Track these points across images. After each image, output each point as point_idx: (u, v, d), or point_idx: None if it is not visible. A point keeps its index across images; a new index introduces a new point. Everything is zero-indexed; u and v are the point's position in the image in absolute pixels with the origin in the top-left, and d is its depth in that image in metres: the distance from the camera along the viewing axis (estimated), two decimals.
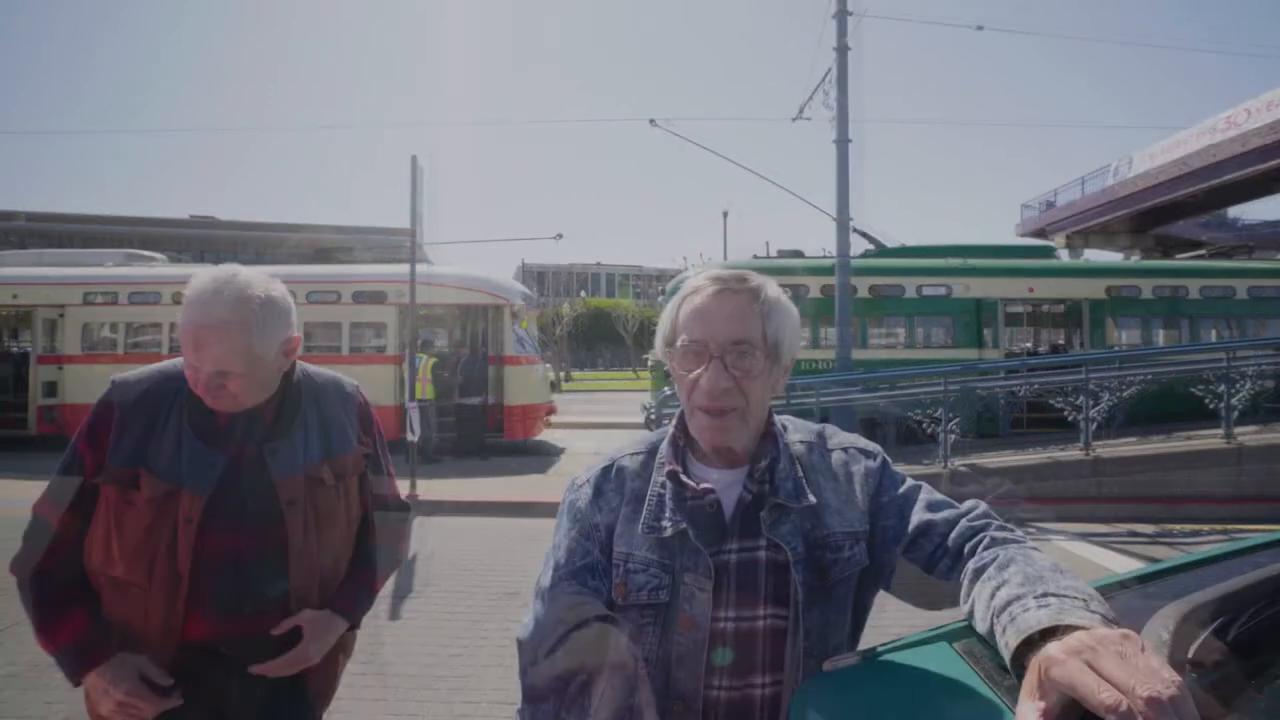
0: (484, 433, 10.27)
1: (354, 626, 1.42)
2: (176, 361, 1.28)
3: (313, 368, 1.43)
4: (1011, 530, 0.90)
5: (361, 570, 1.42)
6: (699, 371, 0.94)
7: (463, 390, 10.09)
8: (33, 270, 11.80)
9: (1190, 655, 0.69)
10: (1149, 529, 6.28)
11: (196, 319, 1.18)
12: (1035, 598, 0.70)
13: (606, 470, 1.05)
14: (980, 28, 10.37)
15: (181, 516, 1.21)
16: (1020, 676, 0.63)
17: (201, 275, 1.23)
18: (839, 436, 1.07)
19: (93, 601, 1.25)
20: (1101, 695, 0.53)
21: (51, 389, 10.98)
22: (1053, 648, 0.61)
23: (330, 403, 1.39)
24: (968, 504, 0.97)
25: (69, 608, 1.23)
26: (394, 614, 4.21)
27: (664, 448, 1.03)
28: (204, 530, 1.22)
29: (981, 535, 0.88)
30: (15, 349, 13.68)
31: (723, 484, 0.98)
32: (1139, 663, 0.56)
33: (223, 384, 1.21)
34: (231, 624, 1.25)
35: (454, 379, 10.16)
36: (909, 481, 1.02)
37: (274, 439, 1.30)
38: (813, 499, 0.96)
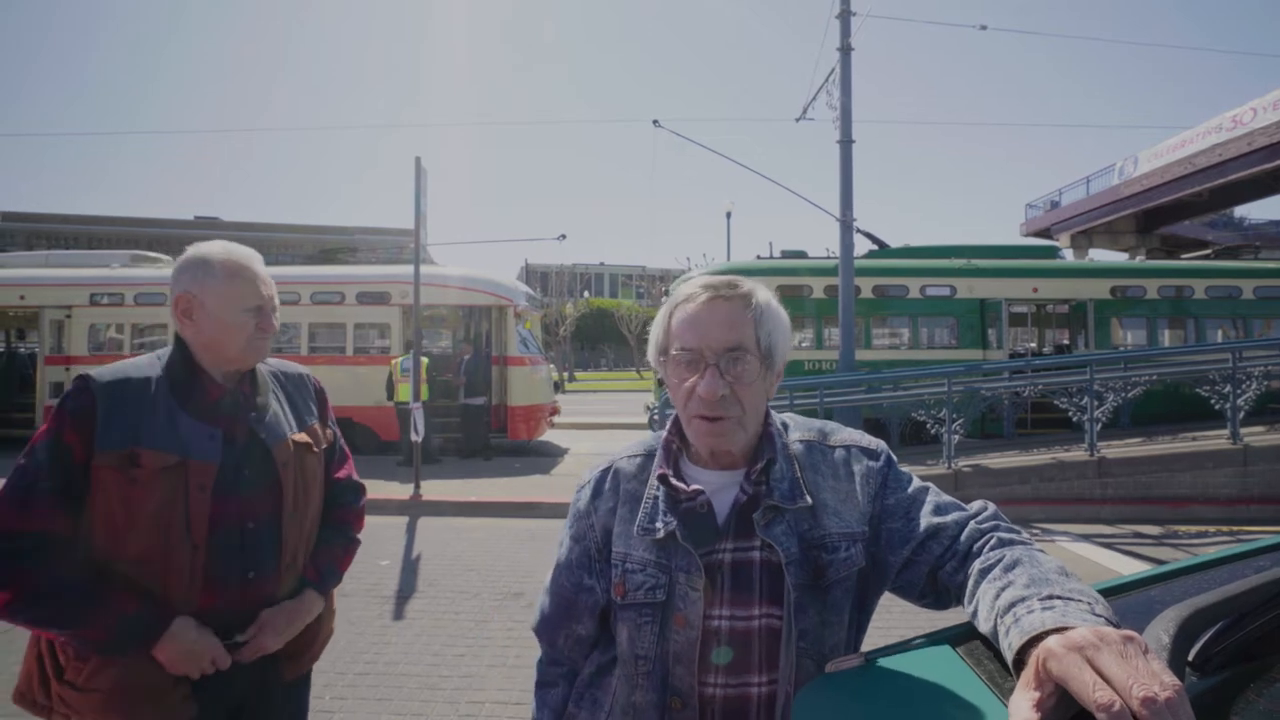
0: (488, 433, 10.28)
1: (322, 596, 1.50)
2: (144, 358, 1.36)
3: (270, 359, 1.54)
4: (1018, 532, 0.90)
5: (330, 545, 1.52)
6: (694, 379, 0.95)
7: (467, 390, 10.10)
8: (40, 271, 11.85)
9: (1191, 658, 0.69)
10: (1154, 530, 6.26)
11: (249, 255, 1.40)
12: (1040, 600, 0.70)
13: (605, 473, 1.08)
14: (984, 27, 10.31)
15: (194, 485, 1.26)
16: None
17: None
18: (841, 434, 1.07)
19: (121, 580, 1.24)
20: (1096, 694, 0.53)
21: (59, 389, 11.02)
22: (1053, 641, 0.61)
23: (291, 383, 1.52)
24: (976, 505, 0.96)
25: (107, 589, 1.22)
26: (399, 614, 4.23)
27: (658, 451, 1.04)
28: (214, 498, 1.28)
29: (988, 536, 0.88)
30: (23, 349, 13.77)
31: (717, 485, 0.99)
32: (1139, 664, 0.56)
33: (270, 323, 1.39)
34: (236, 592, 1.31)
35: (457, 379, 10.17)
36: (916, 483, 1.01)
37: (258, 410, 1.40)
38: (808, 500, 0.96)
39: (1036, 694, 0.59)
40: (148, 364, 1.33)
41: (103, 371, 1.29)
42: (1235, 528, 6.37)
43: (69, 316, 11.13)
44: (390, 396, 9.42)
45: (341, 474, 1.60)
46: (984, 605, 0.78)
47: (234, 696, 1.35)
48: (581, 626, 1.07)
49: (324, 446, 1.52)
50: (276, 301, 1.43)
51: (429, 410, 10.49)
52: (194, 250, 1.38)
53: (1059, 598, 0.69)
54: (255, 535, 1.34)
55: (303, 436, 1.45)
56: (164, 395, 1.29)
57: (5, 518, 1.18)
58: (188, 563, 1.25)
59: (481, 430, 10.24)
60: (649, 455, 1.06)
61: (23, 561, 1.17)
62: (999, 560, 0.82)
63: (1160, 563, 2.59)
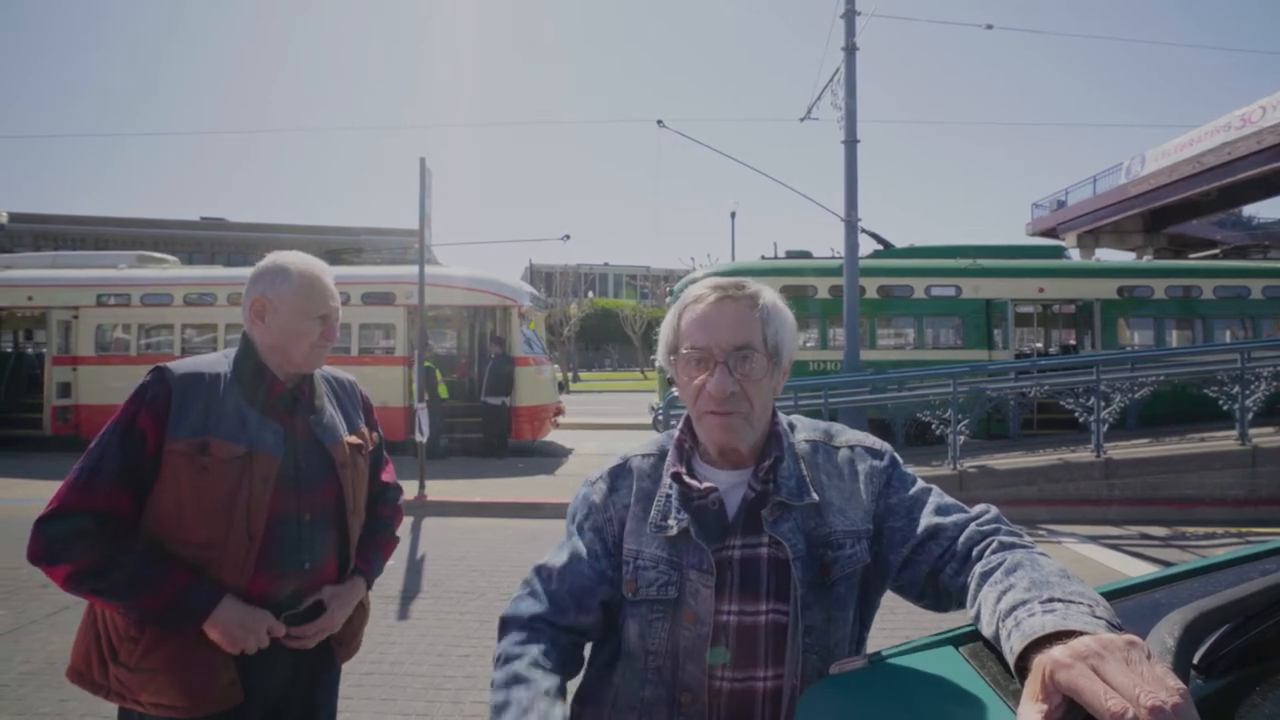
0: (506, 433, 10.30)
1: (369, 587, 1.60)
2: (214, 355, 1.45)
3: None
4: (1020, 535, 0.90)
5: (375, 538, 1.62)
6: (704, 378, 0.97)
7: (490, 390, 10.10)
8: (47, 272, 11.94)
9: (1196, 662, 0.69)
10: (1161, 532, 6.22)
11: (322, 269, 1.48)
12: (1041, 603, 0.70)
13: (619, 469, 1.09)
14: (989, 26, 10.28)
15: (257, 476, 1.33)
16: (1025, 681, 0.63)
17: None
18: (846, 434, 1.09)
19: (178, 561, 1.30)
20: (1109, 702, 0.53)
21: (66, 390, 11.10)
22: (1058, 651, 0.61)
23: (342, 389, 1.61)
24: (978, 508, 0.97)
25: (165, 564, 1.28)
26: (403, 614, 4.24)
27: (670, 450, 1.05)
28: (274, 491, 1.36)
29: (990, 539, 0.89)
30: (30, 350, 13.86)
31: (728, 484, 1.01)
32: (1144, 670, 0.55)
33: (334, 332, 1.47)
34: (288, 581, 1.38)
35: (482, 379, 10.21)
36: (919, 483, 1.03)
37: (316, 412, 1.48)
38: (815, 497, 0.98)
39: (1044, 705, 0.58)
40: (218, 360, 1.41)
41: (178, 364, 1.36)
42: (1243, 529, 6.33)
43: (76, 317, 11.20)
44: (422, 396, 9.34)
45: (386, 476, 1.70)
46: (986, 608, 0.78)
47: (279, 685, 1.41)
48: (587, 616, 1.02)
49: (371, 449, 1.62)
50: (340, 313, 1.52)
51: (449, 410, 10.54)
52: (273, 258, 1.46)
53: (1060, 600, 0.70)
54: (311, 528, 1.42)
55: (355, 439, 1.55)
56: (233, 390, 1.37)
57: (69, 496, 1.25)
58: (243, 551, 1.32)
59: (504, 430, 10.26)
60: (660, 454, 1.08)
61: (84, 539, 1.24)
62: (1000, 563, 0.83)
63: (1167, 564, 2.57)
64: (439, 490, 7.60)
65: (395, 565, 5.23)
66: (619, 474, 1.08)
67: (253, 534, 1.33)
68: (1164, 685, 0.53)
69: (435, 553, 5.63)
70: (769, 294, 1.01)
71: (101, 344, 11.28)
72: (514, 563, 5.33)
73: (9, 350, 13.59)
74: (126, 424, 1.30)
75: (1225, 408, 7.34)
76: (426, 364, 9.71)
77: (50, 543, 1.23)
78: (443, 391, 10.11)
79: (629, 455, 1.11)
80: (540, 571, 1.05)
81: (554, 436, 12.06)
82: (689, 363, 0.99)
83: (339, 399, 1.58)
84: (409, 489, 7.55)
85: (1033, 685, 0.61)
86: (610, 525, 1.05)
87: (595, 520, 1.06)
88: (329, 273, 1.49)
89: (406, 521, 6.72)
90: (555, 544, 1.09)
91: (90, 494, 1.26)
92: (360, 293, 10.76)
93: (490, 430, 10.23)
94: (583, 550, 1.04)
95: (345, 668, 1.64)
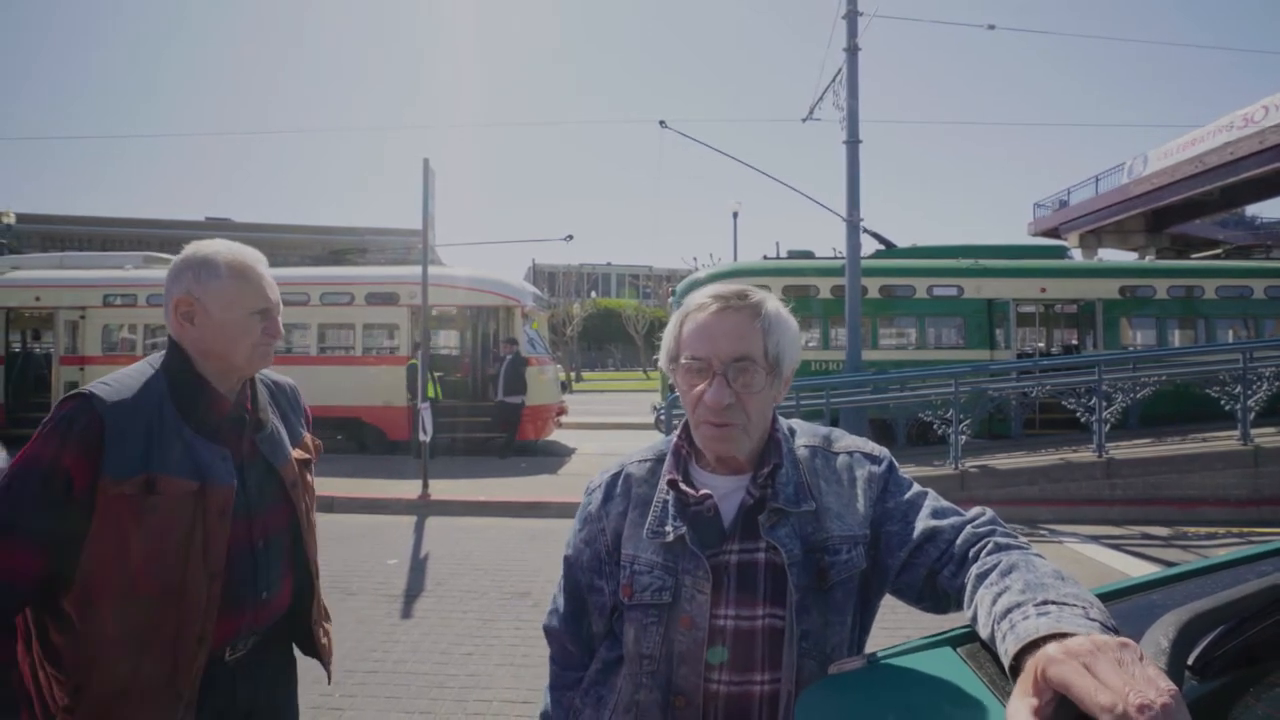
0: (513, 432, 10.30)
1: None
2: (140, 368, 1.26)
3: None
4: (1015, 536, 0.91)
5: None
6: (702, 387, 0.98)
7: (507, 390, 10.10)
8: (54, 273, 12.01)
9: (1190, 663, 0.70)
10: (1163, 532, 6.22)
11: (255, 257, 1.31)
12: (1035, 605, 0.71)
13: (616, 476, 1.11)
14: (991, 27, 10.26)
15: (212, 511, 1.19)
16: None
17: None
18: (845, 440, 1.09)
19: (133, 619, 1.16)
20: (1099, 697, 0.54)
21: (73, 389, 11.14)
22: (1051, 648, 0.61)
23: (282, 395, 1.46)
24: (974, 511, 0.98)
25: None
26: (406, 613, 4.26)
27: (668, 456, 1.07)
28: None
29: (985, 541, 0.90)
30: (38, 350, 13.91)
31: (725, 490, 1.02)
32: (1135, 670, 0.56)
33: (276, 327, 1.32)
34: (250, 615, 1.27)
35: (497, 379, 10.21)
36: (915, 488, 1.03)
37: (261, 430, 1.33)
38: (813, 503, 0.99)
39: (1035, 701, 0.59)
40: (145, 376, 1.22)
41: (105, 388, 1.17)
42: (1245, 529, 6.33)
43: (83, 317, 11.26)
44: (425, 396, 9.33)
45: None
46: (982, 610, 0.79)
47: (239, 708, 1.30)
48: (593, 625, 1.10)
49: (316, 460, 1.49)
50: (281, 305, 1.35)
51: (451, 409, 10.54)
52: (194, 249, 1.28)
53: (1054, 603, 0.70)
54: (266, 555, 1.29)
55: (300, 453, 1.42)
56: (171, 413, 1.20)
57: None
58: (204, 593, 1.17)
59: (513, 429, 10.27)
60: (659, 460, 1.09)
61: None
62: (996, 565, 0.84)
63: (1169, 564, 2.57)
64: (442, 490, 7.62)
65: (399, 564, 5.24)
66: (614, 482, 1.10)
67: (213, 572, 1.18)
68: (1155, 686, 0.54)
69: (439, 552, 5.65)
70: (772, 303, 1.01)
71: (108, 344, 11.33)
72: (517, 562, 5.35)
73: (17, 350, 13.63)
74: (47, 465, 1.09)
75: (1227, 408, 7.33)
76: (412, 362, 9.73)
77: None
78: (431, 391, 10.10)
79: (626, 462, 1.12)
80: (548, 635, 1.17)
81: (557, 436, 12.07)
82: (689, 371, 1.00)
83: (280, 406, 1.42)
84: (413, 488, 7.57)
85: (1025, 681, 0.62)
86: (603, 535, 1.07)
87: (589, 531, 1.10)
88: (262, 261, 1.32)
89: (410, 520, 6.75)
90: (562, 543, 1.14)
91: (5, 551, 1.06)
92: (364, 293, 10.79)
93: (510, 428, 10.23)
94: (573, 559, 1.12)
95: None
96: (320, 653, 1.46)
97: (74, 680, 1.12)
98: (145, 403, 1.18)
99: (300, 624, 1.42)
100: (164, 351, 1.29)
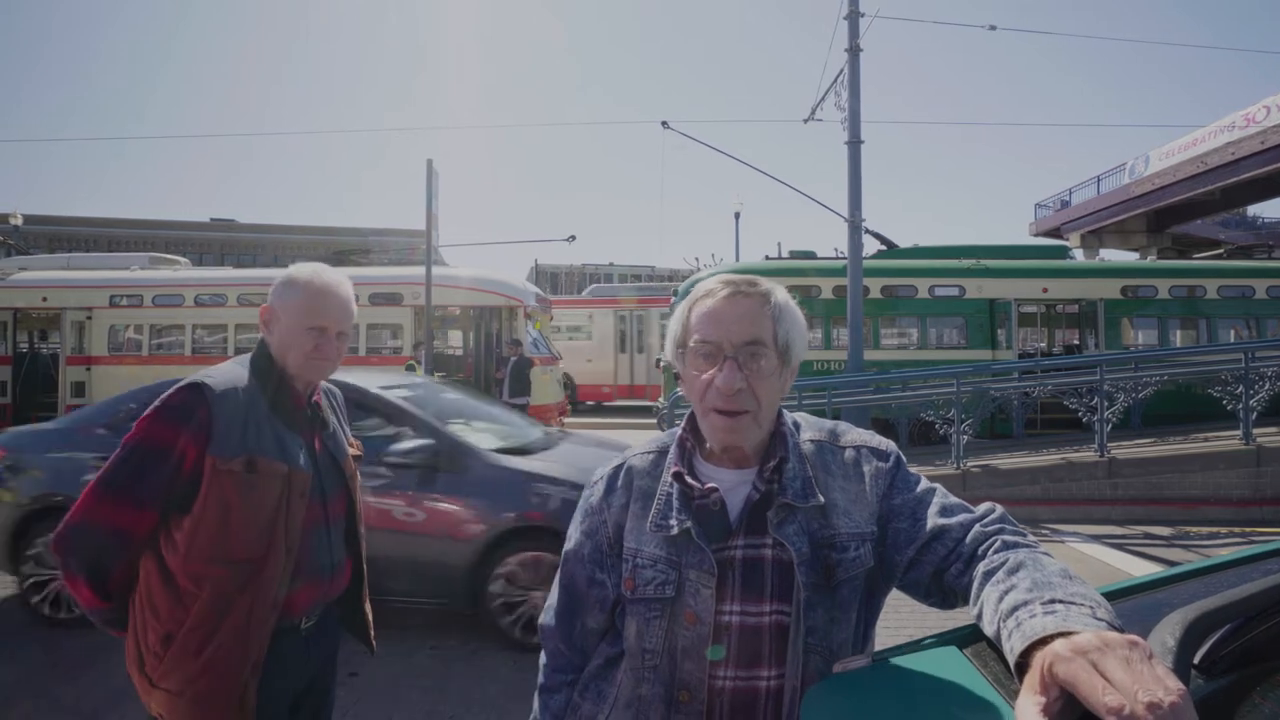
0: None
1: None
2: (234, 365, 1.46)
3: None
4: (1024, 535, 0.90)
5: None
6: (712, 372, 0.95)
7: (513, 392, 10.11)
8: (61, 273, 12.07)
9: (1196, 662, 0.71)
10: (1165, 531, 6.22)
11: (330, 283, 1.46)
12: (1042, 604, 0.70)
13: (618, 469, 1.09)
14: (993, 27, 10.27)
15: (296, 492, 1.39)
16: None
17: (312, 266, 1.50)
18: (852, 434, 1.07)
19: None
20: (1106, 697, 0.54)
21: (80, 389, 11.20)
22: (1059, 645, 0.61)
23: (335, 400, 1.67)
24: (983, 508, 0.97)
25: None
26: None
27: (672, 449, 1.05)
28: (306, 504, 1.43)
29: (993, 539, 0.89)
30: (45, 350, 13.96)
31: (731, 483, 1.00)
32: (1143, 669, 0.56)
33: (339, 345, 1.47)
34: (319, 590, 1.46)
35: (503, 380, 10.19)
36: (923, 483, 1.01)
37: (327, 427, 1.55)
38: (820, 499, 0.97)
39: (1042, 699, 0.59)
40: (241, 370, 1.43)
41: (212, 379, 1.36)
42: (1247, 529, 6.33)
43: (89, 318, 11.31)
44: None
45: None
46: (988, 608, 0.78)
47: (301, 680, 1.49)
48: (592, 619, 1.07)
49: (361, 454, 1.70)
50: (346, 332, 1.50)
51: None
52: (290, 269, 1.49)
53: (1061, 601, 0.70)
54: (334, 537, 1.51)
55: (354, 449, 1.64)
56: (262, 405, 1.40)
57: (95, 510, 1.28)
58: (283, 564, 1.37)
59: None
60: (662, 452, 1.06)
61: (102, 556, 1.30)
62: (1003, 563, 0.83)
63: (1171, 564, 2.58)
64: None
65: None
66: (616, 474, 1.08)
67: (290, 547, 1.38)
68: (1163, 685, 0.54)
69: None
70: (781, 293, 1.00)
71: (114, 344, 11.37)
72: None
73: (24, 350, 13.67)
74: (163, 443, 1.30)
75: (1229, 408, 7.33)
76: (410, 362, 9.76)
77: (70, 555, 1.28)
78: None
79: (628, 455, 1.10)
80: (542, 632, 1.15)
81: None
82: (697, 356, 0.97)
83: (335, 410, 1.63)
84: None
85: (1032, 679, 0.61)
86: (604, 528, 1.05)
87: (590, 524, 1.07)
88: (340, 287, 1.47)
89: None
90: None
91: (116, 511, 1.29)
92: (368, 293, 10.82)
93: None
94: (573, 551, 1.10)
95: (352, 665, 1.74)
96: (366, 628, 1.65)
97: (166, 628, 1.31)
98: (243, 394, 1.38)
99: (353, 600, 1.62)
100: (249, 353, 1.49)
